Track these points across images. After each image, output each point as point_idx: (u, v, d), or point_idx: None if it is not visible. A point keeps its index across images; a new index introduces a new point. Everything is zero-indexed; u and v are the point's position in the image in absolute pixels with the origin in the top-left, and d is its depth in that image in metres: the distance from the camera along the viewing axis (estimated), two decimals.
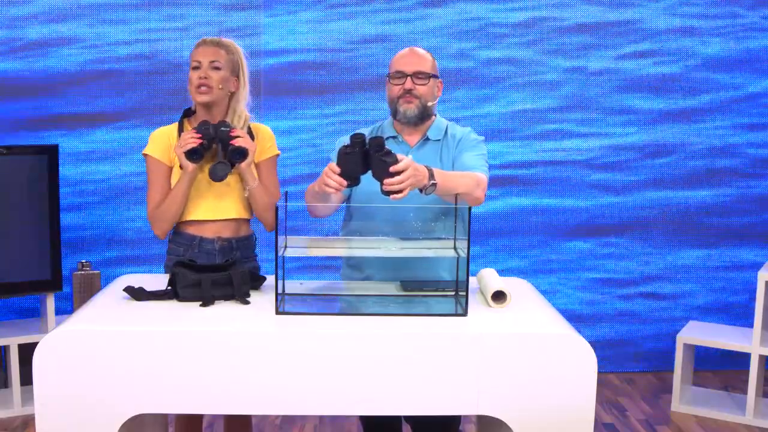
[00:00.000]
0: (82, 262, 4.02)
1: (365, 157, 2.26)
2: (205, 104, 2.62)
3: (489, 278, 2.33)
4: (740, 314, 4.42)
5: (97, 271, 4.04)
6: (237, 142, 2.54)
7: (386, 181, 2.20)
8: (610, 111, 4.33)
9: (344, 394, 2.02)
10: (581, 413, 2.03)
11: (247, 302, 2.24)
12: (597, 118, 4.33)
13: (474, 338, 2.02)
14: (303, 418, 3.68)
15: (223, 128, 2.56)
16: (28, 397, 3.53)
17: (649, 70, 4.32)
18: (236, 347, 2.00)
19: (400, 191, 2.20)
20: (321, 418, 3.71)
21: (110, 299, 2.28)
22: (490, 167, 2.69)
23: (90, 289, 3.95)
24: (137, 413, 2.02)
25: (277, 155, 2.76)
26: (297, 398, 2.01)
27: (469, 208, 2.18)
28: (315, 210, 2.54)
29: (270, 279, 2.37)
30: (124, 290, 2.28)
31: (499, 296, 2.24)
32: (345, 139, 2.41)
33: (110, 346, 1.99)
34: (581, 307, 4.40)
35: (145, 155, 2.66)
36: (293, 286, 2.33)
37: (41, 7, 4.06)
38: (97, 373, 1.99)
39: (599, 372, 2.08)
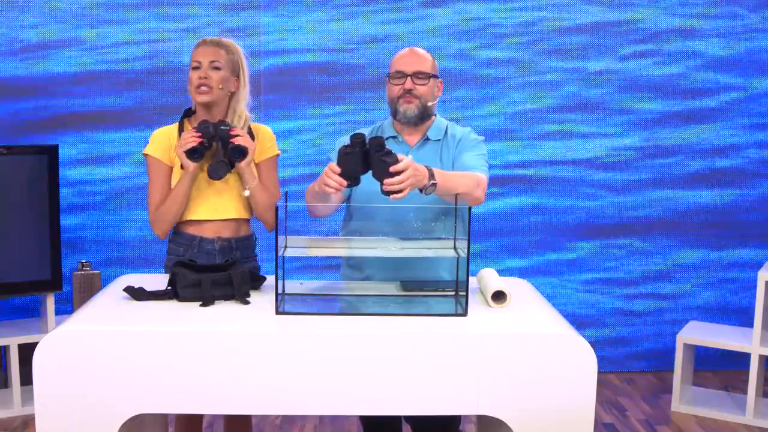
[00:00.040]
0: (82, 262, 4.02)
1: (365, 157, 2.26)
2: (205, 104, 2.62)
3: (489, 278, 2.33)
4: (740, 314, 4.42)
5: (97, 271, 4.04)
6: (237, 141, 2.54)
7: (386, 181, 2.20)
8: (611, 111, 4.33)
9: (344, 394, 2.02)
10: (581, 413, 2.03)
11: (247, 302, 2.24)
12: (597, 118, 4.33)
13: (474, 338, 2.02)
14: (303, 418, 3.68)
15: (222, 127, 2.56)
16: (28, 397, 3.53)
17: (650, 71, 4.32)
18: (236, 347, 2.00)
19: (400, 191, 2.20)
20: (321, 418, 3.71)
21: (110, 299, 2.28)
22: (490, 167, 2.69)
23: (90, 289, 3.95)
24: (137, 413, 2.02)
25: (278, 155, 2.76)
26: (297, 398, 2.01)
27: (469, 208, 2.18)
28: (315, 210, 2.54)
29: (270, 279, 2.37)
30: (124, 290, 2.28)
31: (499, 296, 2.24)
32: (345, 139, 2.41)
33: (110, 346, 1.99)
34: (581, 307, 4.40)
35: (146, 155, 2.66)
36: (293, 286, 2.33)
37: (42, 7, 4.06)
38: (97, 373, 1.99)
39: (599, 372, 2.08)
